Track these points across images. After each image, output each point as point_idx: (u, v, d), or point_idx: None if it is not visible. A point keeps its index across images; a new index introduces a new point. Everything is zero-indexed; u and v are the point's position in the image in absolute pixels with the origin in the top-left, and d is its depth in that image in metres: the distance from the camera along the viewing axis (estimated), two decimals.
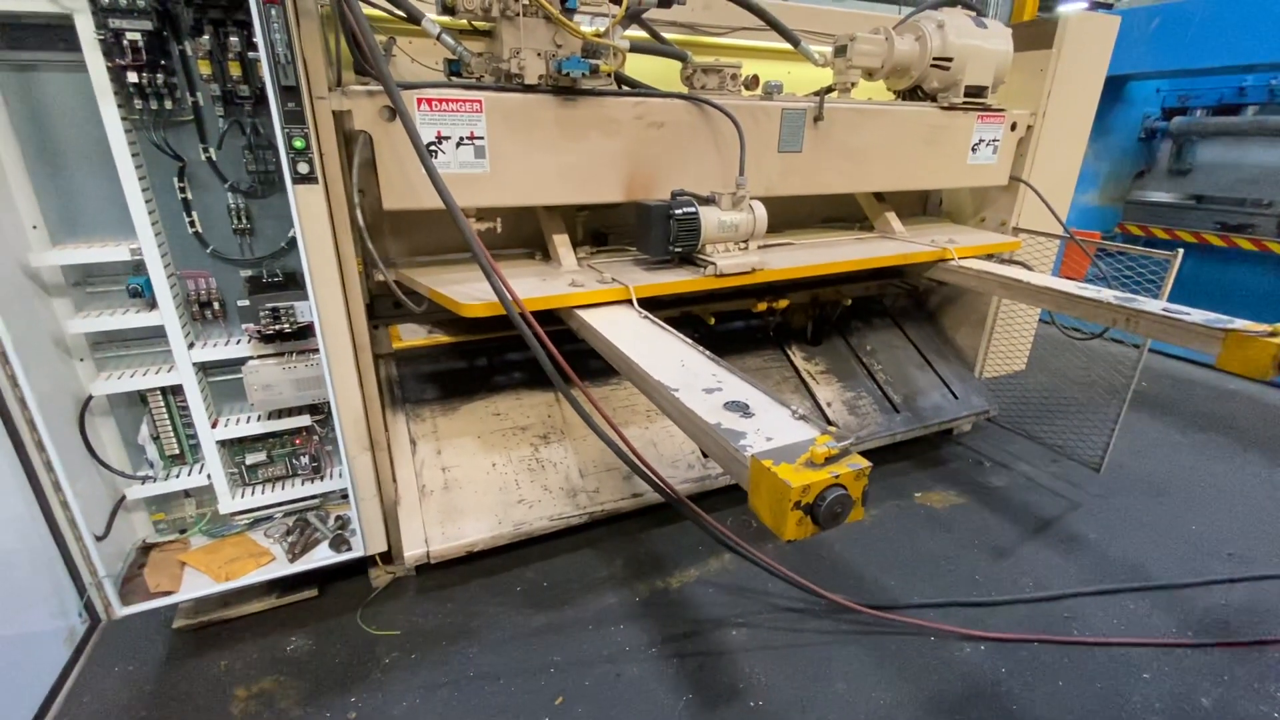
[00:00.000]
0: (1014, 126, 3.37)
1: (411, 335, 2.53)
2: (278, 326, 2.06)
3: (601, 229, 3.00)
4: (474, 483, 2.71)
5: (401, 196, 2.18)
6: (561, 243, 2.66)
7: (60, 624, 1.96)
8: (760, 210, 2.56)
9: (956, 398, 3.79)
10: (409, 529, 2.50)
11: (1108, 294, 2.52)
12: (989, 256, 3.28)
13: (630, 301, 2.32)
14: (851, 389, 3.62)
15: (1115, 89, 6.12)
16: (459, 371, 3.04)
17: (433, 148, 2.18)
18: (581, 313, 2.25)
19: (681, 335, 2.04)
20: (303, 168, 1.81)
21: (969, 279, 2.98)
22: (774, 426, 1.41)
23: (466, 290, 2.26)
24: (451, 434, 2.82)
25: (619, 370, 1.99)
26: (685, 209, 2.41)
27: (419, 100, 2.11)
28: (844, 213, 3.73)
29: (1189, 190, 6.39)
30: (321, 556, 2.33)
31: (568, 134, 2.36)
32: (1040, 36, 3.31)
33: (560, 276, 2.49)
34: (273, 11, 1.64)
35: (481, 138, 2.24)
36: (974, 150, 3.31)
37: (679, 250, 2.47)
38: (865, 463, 1.23)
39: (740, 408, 1.50)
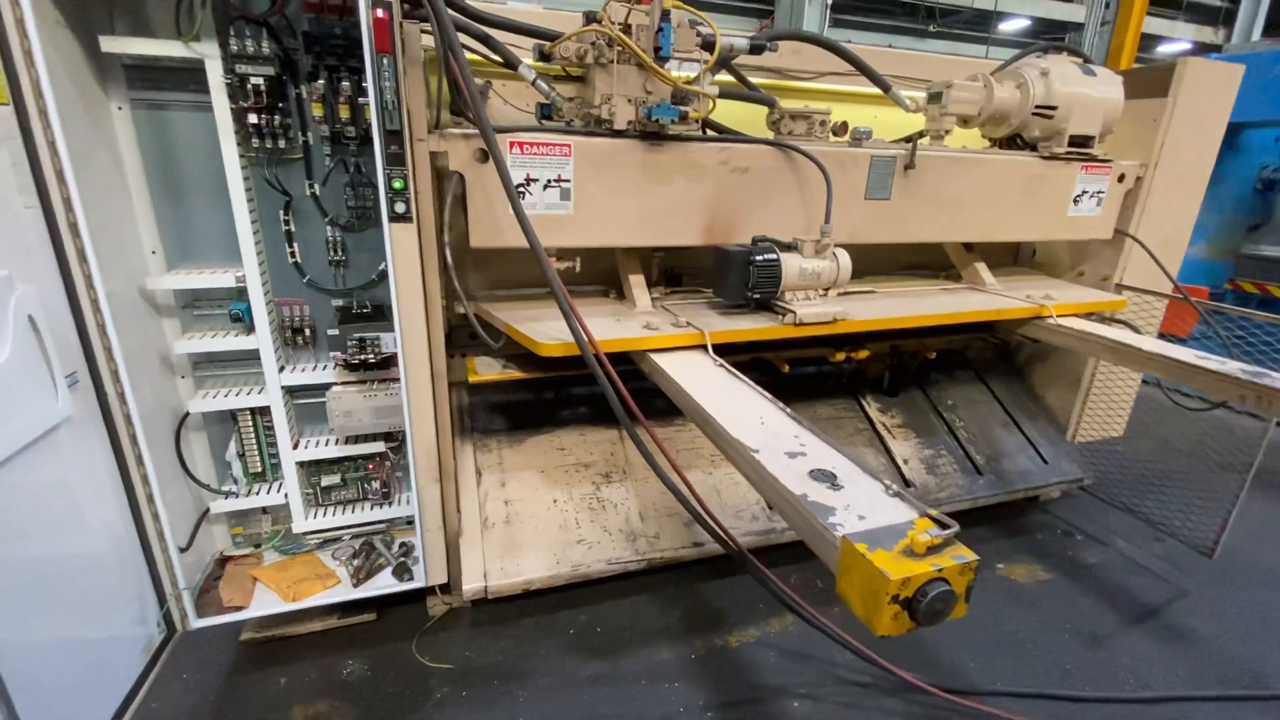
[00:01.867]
0: (1121, 178, 3.16)
1: (487, 369, 2.56)
2: (363, 356, 2.12)
3: (676, 269, 2.98)
4: (535, 518, 2.69)
5: (488, 235, 2.22)
6: (637, 283, 2.65)
7: (140, 631, 2.04)
8: (844, 259, 2.48)
9: (1046, 462, 3.52)
10: (469, 561, 2.49)
11: (1233, 366, 2.28)
12: (1089, 315, 3.05)
13: (705, 347, 2.26)
14: (930, 446, 3.43)
15: (1229, 137, 5.72)
16: (526, 404, 3.05)
17: (521, 189, 2.22)
18: (655, 357, 2.21)
19: (759, 388, 1.97)
20: (400, 207, 1.87)
21: (1069, 339, 2.78)
22: (866, 503, 1.31)
23: (543, 329, 2.27)
24: (516, 466, 2.82)
25: (692, 420, 1.93)
26: (766, 255, 2.35)
27: (511, 143, 2.16)
28: (928, 260, 3.58)
29: None
30: (383, 584, 2.35)
31: (652, 178, 2.36)
32: (1154, 84, 3.11)
33: (634, 317, 2.47)
34: (384, 60, 1.71)
35: (568, 180, 2.26)
36: (1076, 202, 3.12)
37: (757, 297, 2.41)
38: (971, 555, 1.13)
39: (827, 477, 1.41)
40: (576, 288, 2.82)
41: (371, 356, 2.13)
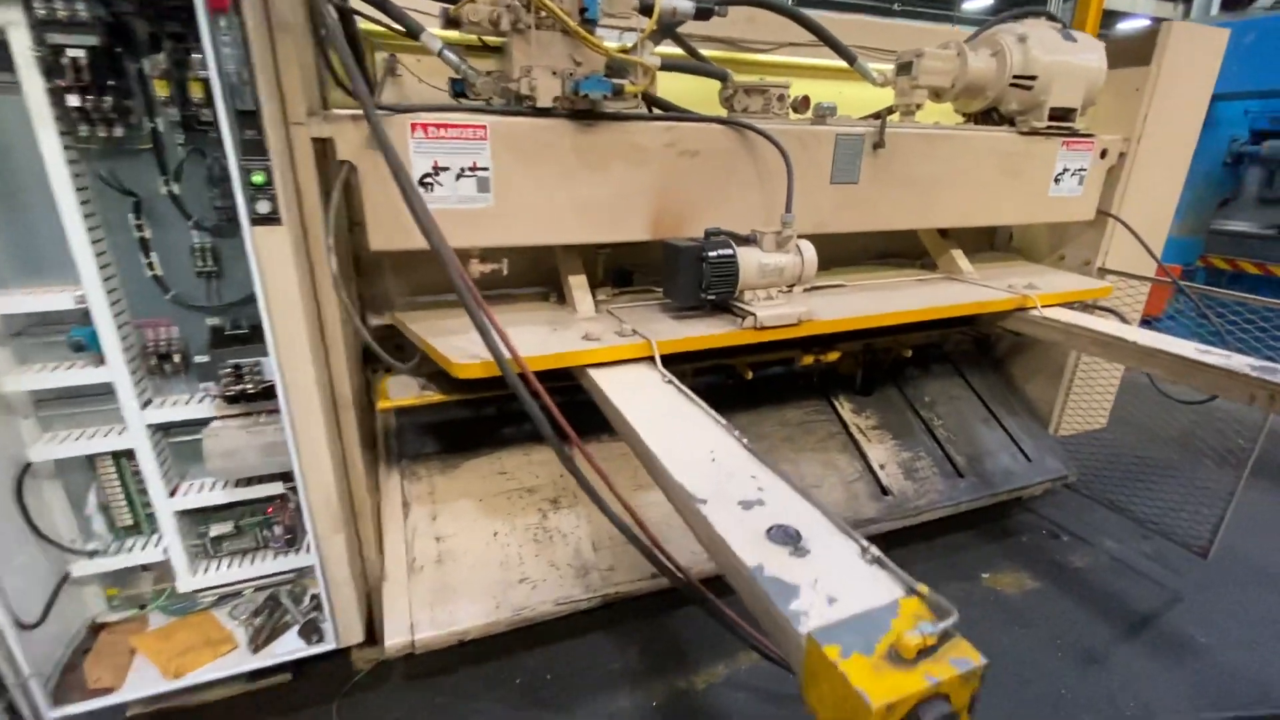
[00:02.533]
0: (1104, 154, 2.92)
1: (403, 392, 2.22)
2: (241, 386, 1.77)
3: (626, 267, 2.66)
4: (471, 555, 2.36)
5: (391, 236, 1.88)
6: (578, 284, 2.33)
7: None
8: (809, 252, 2.19)
9: (1029, 460, 3.31)
10: (393, 612, 2.16)
11: (1239, 361, 2.05)
12: (1073, 304, 2.82)
13: (653, 359, 1.96)
14: (908, 448, 3.18)
15: None
16: (463, 422, 2.72)
17: (428, 180, 1.88)
18: (595, 372, 1.90)
19: (713, 412, 1.66)
20: (263, 206, 1.52)
21: (1054, 332, 2.54)
22: (837, 576, 1.02)
23: (462, 344, 1.94)
24: (450, 496, 2.49)
25: (633, 452, 1.63)
26: (720, 251, 2.05)
27: (413, 125, 1.81)
28: (901, 248, 3.32)
29: None
30: (287, 649, 2.01)
31: (586, 164, 2.04)
32: (1136, 52, 2.87)
33: (574, 325, 2.16)
34: (222, 22, 1.35)
35: (485, 168, 1.92)
36: (1057, 181, 2.87)
37: (712, 298, 2.11)
38: (977, 658, 0.84)
39: (790, 538, 1.12)
40: (513, 291, 2.49)
41: (251, 386, 1.78)
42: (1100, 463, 3.51)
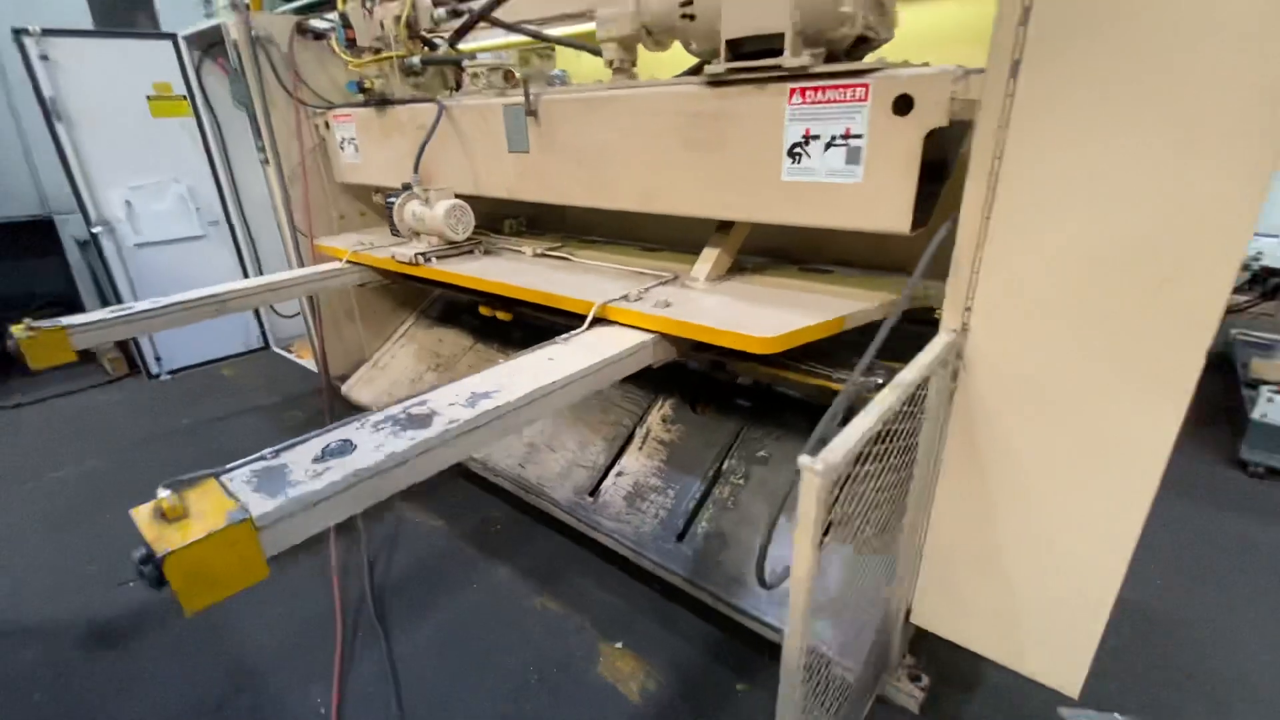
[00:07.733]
0: (903, 104, 1.55)
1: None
2: None
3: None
4: (389, 371, 4.01)
5: (344, 173, 3.63)
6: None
7: None
8: (438, 207, 2.66)
9: (768, 586, 2.15)
10: (353, 378, 4.10)
11: None
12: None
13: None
14: (667, 481, 2.66)
15: None
16: (459, 304, 4.21)
17: (343, 143, 3.49)
18: None
19: None
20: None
21: None
22: None
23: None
24: (414, 339, 4.14)
25: None
26: (389, 196, 2.86)
27: (336, 117, 3.45)
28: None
29: None
30: None
31: (386, 134, 3.16)
32: None
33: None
34: None
35: (353, 138, 3.37)
36: (794, 156, 1.79)
37: (400, 235, 2.94)
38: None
39: None
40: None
41: None
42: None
